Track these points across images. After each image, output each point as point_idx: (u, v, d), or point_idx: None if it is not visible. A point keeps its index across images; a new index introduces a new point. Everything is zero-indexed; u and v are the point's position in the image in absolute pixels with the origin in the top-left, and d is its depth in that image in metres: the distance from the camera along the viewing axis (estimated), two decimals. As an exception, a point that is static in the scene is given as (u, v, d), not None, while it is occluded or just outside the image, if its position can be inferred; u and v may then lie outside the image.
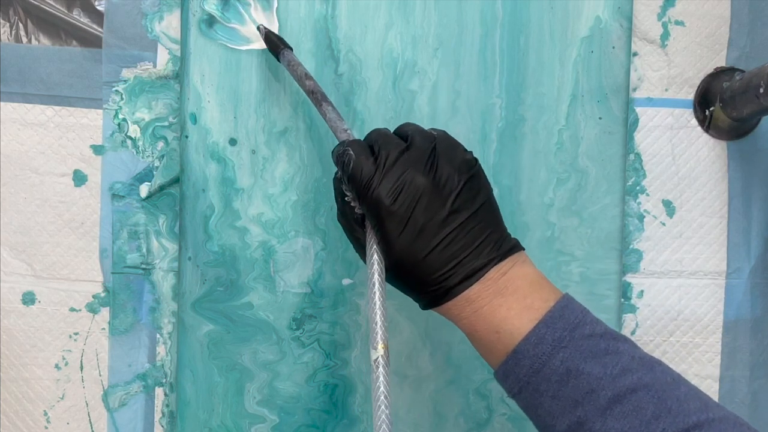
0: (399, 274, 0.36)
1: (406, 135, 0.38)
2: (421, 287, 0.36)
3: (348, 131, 0.39)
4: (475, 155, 0.38)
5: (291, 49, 0.46)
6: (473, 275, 0.35)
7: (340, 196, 0.39)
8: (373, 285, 0.36)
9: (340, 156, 0.37)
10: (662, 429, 0.32)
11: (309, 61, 0.48)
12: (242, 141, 0.49)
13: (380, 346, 0.34)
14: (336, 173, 0.39)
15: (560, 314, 0.35)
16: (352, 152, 0.36)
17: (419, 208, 0.35)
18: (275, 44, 0.46)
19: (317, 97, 0.42)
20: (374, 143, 0.37)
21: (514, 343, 0.35)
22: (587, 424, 0.33)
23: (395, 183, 0.35)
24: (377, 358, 0.34)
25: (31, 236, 0.49)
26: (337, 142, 0.39)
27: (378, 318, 0.35)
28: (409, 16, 0.49)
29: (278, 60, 0.46)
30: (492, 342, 0.36)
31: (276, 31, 0.48)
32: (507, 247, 0.36)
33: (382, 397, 0.33)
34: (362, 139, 0.38)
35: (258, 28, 0.47)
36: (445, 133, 0.38)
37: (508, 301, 0.35)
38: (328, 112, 0.41)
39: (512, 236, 0.37)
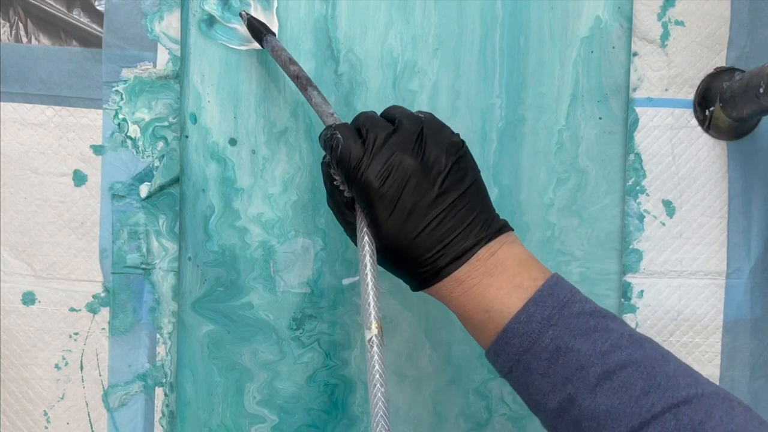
0: (389, 256, 0.36)
1: (393, 118, 0.38)
2: (411, 268, 0.36)
3: (334, 115, 0.40)
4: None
5: (274, 35, 0.45)
6: (462, 255, 0.35)
7: (328, 180, 0.39)
8: (365, 267, 0.36)
9: (328, 140, 0.37)
10: (651, 404, 0.32)
11: (309, 61, 0.48)
12: (242, 141, 0.49)
13: (374, 326, 0.35)
14: (324, 157, 0.39)
15: (549, 292, 0.35)
16: (339, 135, 0.37)
17: (408, 190, 0.35)
18: (258, 30, 0.46)
19: (302, 82, 0.42)
20: (362, 126, 0.37)
21: (504, 322, 0.35)
22: (577, 401, 0.33)
23: (384, 165, 0.35)
24: (371, 338, 0.35)
25: (31, 236, 0.49)
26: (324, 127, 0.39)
27: (371, 299, 0.35)
28: (409, 16, 0.49)
29: (262, 46, 0.46)
30: (482, 322, 0.36)
31: (276, 31, 0.48)
32: (496, 227, 0.37)
33: (378, 376, 0.34)
34: (349, 122, 0.39)
35: (240, 15, 0.47)
36: (431, 115, 0.38)
37: (497, 281, 0.36)
38: (313, 97, 0.41)
39: (501, 217, 0.38)
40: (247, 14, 0.47)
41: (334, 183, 0.38)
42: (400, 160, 0.35)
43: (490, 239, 0.36)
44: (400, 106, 0.39)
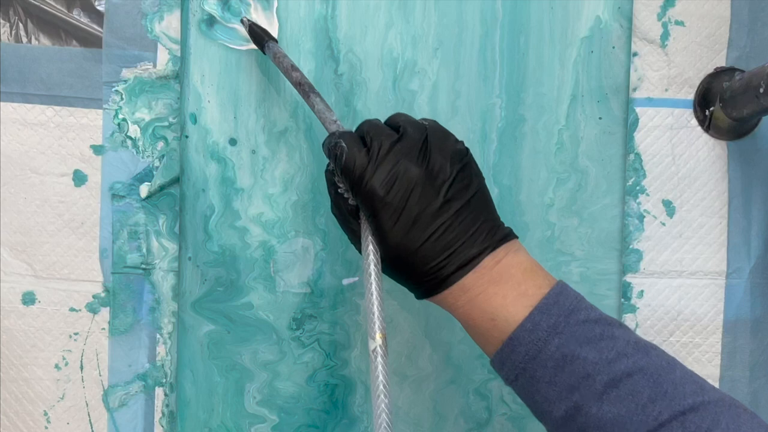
0: (394, 265, 0.36)
1: (397, 125, 0.38)
2: (416, 277, 0.36)
3: (337, 122, 0.39)
4: (474, 154, 0.38)
5: (276, 41, 0.45)
6: (468, 264, 0.35)
7: (332, 188, 0.39)
8: (369, 275, 0.36)
9: (332, 148, 0.37)
10: (658, 412, 0.32)
11: (309, 61, 0.48)
12: (242, 141, 0.49)
13: (378, 336, 0.35)
14: (328, 165, 0.39)
15: (555, 300, 0.35)
16: (344, 144, 0.36)
17: (413, 199, 0.35)
18: (260, 36, 0.46)
19: (304, 88, 0.42)
20: (366, 134, 0.37)
21: (510, 330, 0.35)
22: (584, 409, 0.33)
23: (389, 174, 0.35)
24: (375, 348, 0.34)
25: (31, 236, 0.49)
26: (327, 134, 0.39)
27: (375, 308, 0.35)
28: (409, 16, 0.49)
29: (263, 52, 0.45)
30: (488, 330, 0.36)
31: (275, 32, 0.48)
32: (501, 235, 0.36)
33: (381, 386, 0.34)
34: (352, 129, 0.38)
35: (241, 21, 0.47)
36: (435, 123, 0.38)
37: (503, 289, 0.35)
38: (316, 104, 0.41)
39: (506, 225, 0.38)
40: (249, 21, 0.46)
41: (339, 191, 0.38)
42: (405, 168, 0.35)
43: (495, 247, 0.36)
44: (404, 113, 0.39)
